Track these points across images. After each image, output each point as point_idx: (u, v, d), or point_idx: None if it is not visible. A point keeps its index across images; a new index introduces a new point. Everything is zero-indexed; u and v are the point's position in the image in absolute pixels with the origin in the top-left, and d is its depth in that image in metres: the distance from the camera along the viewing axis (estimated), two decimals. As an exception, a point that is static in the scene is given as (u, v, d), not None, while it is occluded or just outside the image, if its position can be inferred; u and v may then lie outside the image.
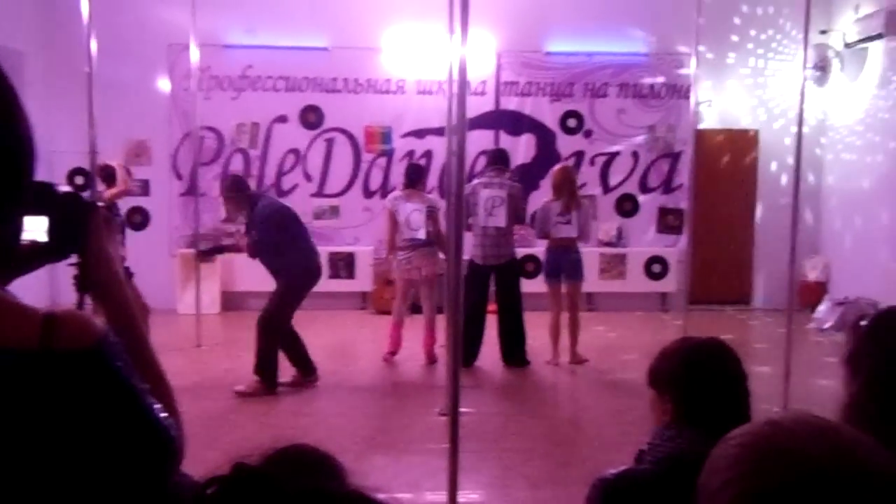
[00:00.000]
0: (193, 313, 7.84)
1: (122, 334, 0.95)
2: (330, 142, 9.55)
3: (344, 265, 9.43)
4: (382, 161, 9.57)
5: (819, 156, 9.71)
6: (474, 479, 4.27)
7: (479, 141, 9.16)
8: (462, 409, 3.57)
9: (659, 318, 9.13)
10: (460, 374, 3.55)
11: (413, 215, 6.81)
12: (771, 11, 9.60)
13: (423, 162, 8.99)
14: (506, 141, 9.43)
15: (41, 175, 0.93)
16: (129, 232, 7.45)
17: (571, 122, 9.68)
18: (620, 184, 9.76)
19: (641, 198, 9.77)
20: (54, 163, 8.54)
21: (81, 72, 5.08)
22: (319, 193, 9.57)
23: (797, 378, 5.21)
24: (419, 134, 9.49)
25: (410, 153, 9.42)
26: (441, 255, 6.68)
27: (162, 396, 0.93)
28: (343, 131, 9.53)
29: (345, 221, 9.57)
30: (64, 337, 0.78)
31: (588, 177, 9.56)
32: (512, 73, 9.60)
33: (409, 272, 6.90)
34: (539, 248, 7.71)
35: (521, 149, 9.57)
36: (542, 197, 8.01)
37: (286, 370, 6.16)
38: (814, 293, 9.27)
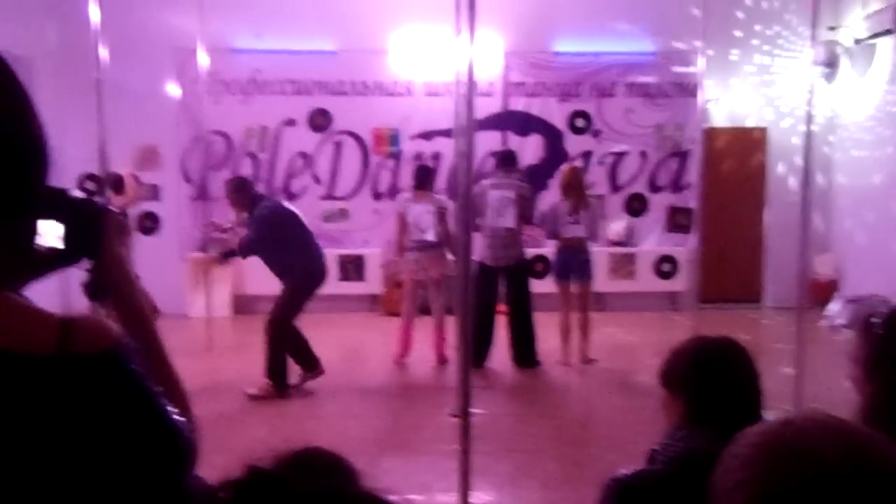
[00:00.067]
0: (204, 317, 7.87)
1: (137, 338, 0.96)
2: (338, 144, 9.57)
3: (353, 267, 9.44)
4: (391, 163, 9.59)
5: (828, 152, 9.67)
6: (486, 480, 4.27)
7: (488, 142, 9.17)
8: (473, 410, 3.57)
9: (669, 318, 9.11)
10: (471, 375, 3.56)
11: (422, 217, 6.82)
12: (777, 6, 9.56)
13: (431, 164, 8.99)
14: (514, 141, 9.42)
15: (52, 180, 0.94)
16: (139, 236, 7.48)
17: (579, 122, 9.67)
18: (629, 183, 9.75)
19: (650, 197, 9.75)
20: (64, 168, 8.57)
21: (90, 77, 5.11)
22: (328, 196, 9.59)
23: (810, 376, 5.19)
24: (427, 136, 9.50)
25: (419, 155, 9.42)
26: (449, 256, 6.68)
27: (176, 399, 0.94)
28: (351, 134, 9.55)
29: (354, 224, 9.58)
30: (80, 341, 0.79)
31: (596, 176, 9.56)
32: (519, 74, 9.59)
33: (416, 273, 6.91)
34: (548, 249, 7.70)
35: (530, 149, 9.56)
36: (550, 197, 8.01)
37: (294, 372, 6.17)
38: (825, 291, 9.23)
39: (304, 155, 9.54)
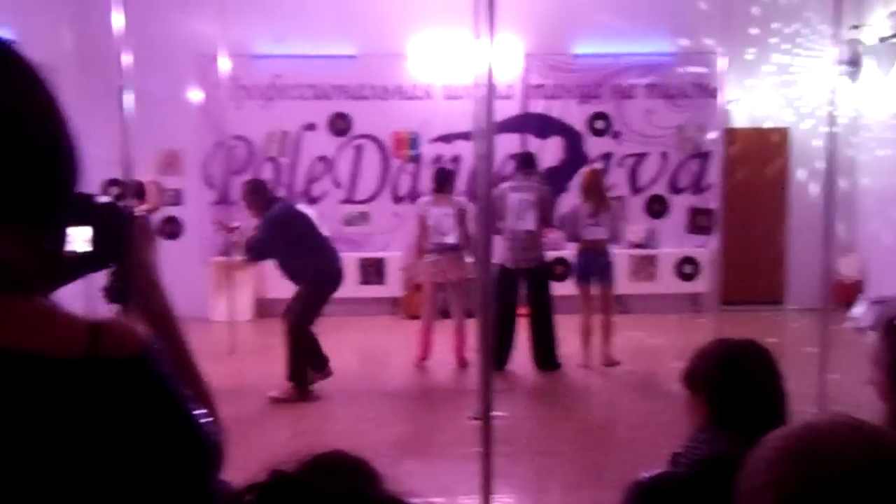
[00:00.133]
0: (227, 320, 7.91)
1: (164, 342, 0.97)
2: (358, 148, 9.60)
3: (374, 271, 9.47)
4: (411, 166, 9.60)
5: (852, 153, 9.57)
6: (507, 482, 4.26)
7: (507, 144, 9.15)
8: (494, 413, 3.57)
9: (691, 320, 9.05)
10: (492, 377, 3.55)
11: (442, 220, 6.83)
12: (797, 4, 9.48)
13: (451, 167, 8.99)
14: (534, 144, 9.40)
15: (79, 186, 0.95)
16: (162, 241, 7.54)
17: (599, 124, 9.64)
18: (650, 185, 9.70)
19: (671, 198, 9.70)
20: (87, 174, 8.65)
21: (112, 83, 5.16)
22: (349, 200, 9.62)
23: (834, 379, 5.14)
24: (447, 139, 9.51)
25: (438, 158, 9.43)
26: (469, 259, 6.68)
27: (203, 402, 0.94)
28: (371, 138, 9.58)
29: (374, 227, 9.61)
30: (109, 345, 0.80)
31: (617, 178, 9.52)
32: (539, 76, 9.58)
33: (435, 276, 6.91)
34: (569, 252, 7.68)
35: (549, 152, 9.54)
36: (570, 199, 7.98)
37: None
38: (849, 292, 9.13)
39: (324, 159, 9.58)
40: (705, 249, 9.42)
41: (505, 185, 6.97)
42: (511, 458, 4.62)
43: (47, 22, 8.55)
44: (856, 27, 9.21)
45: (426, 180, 8.63)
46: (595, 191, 6.88)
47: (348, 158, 9.60)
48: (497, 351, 6.15)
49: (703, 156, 9.64)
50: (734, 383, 1.90)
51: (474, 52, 3.86)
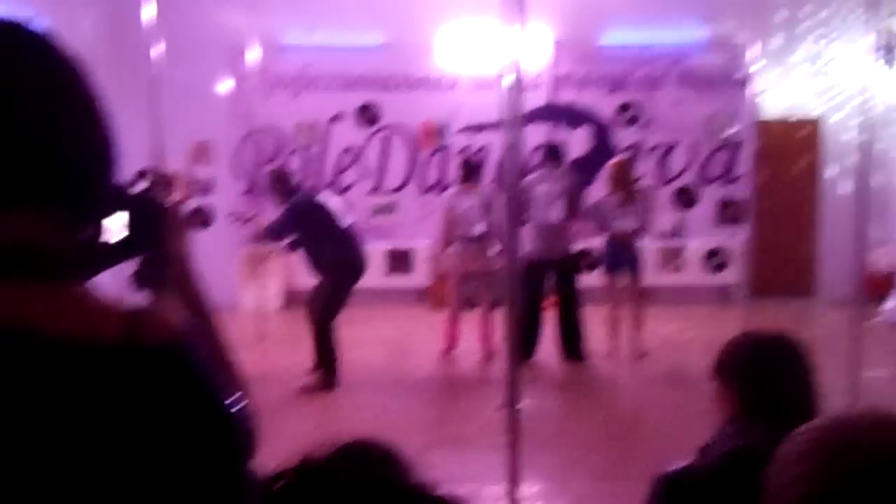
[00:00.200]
0: (257, 309, 7.98)
1: (198, 329, 0.98)
2: (387, 139, 9.61)
3: (401, 261, 9.49)
4: (438, 157, 9.60)
5: (886, 143, 9.40)
6: (534, 472, 4.26)
7: (535, 135, 9.11)
8: (521, 403, 3.57)
9: (719, 311, 8.97)
10: (519, 367, 3.55)
11: (469, 210, 6.83)
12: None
13: (479, 157, 8.97)
14: (562, 134, 9.35)
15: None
16: (192, 231, 7.60)
17: (628, 114, 9.56)
18: (678, 175, 9.62)
19: (700, 189, 9.61)
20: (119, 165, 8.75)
21: (143, 74, 5.21)
22: (377, 190, 9.64)
23: (866, 372, 5.07)
24: (475, 129, 9.49)
25: (466, 148, 9.41)
26: (496, 250, 6.68)
27: (237, 390, 0.96)
28: (399, 128, 9.58)
29: (402, 217, 9.62)
30: (146, 332, 0.81)
31: (645, 169, 9.45)
32: (567, 66, 9.52)
33: (461, 266, 6.92)
34: (596, 243, 7.64)
35: (578, 142, 9.49)
36: (598, 191, 7.94)
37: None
38: (883, 285, 8.98)
39: (352, 149, 9.60)
40: (735, 241, 9.32)
41: (532, 176, 6.95)
42: (538, 447, 4.62)
43: (79, 14, 8.65)
44: (893, 13, 9.03)
45: (454, 171, 8.62)
46: (623, 182, 6.84)
47: (376, 149, 9.61)
48: (524, 341, 6.15)
49: (732, 146, 9.53)
50: (765, 376, 1.89)
51: (503, 41, 3.84)
